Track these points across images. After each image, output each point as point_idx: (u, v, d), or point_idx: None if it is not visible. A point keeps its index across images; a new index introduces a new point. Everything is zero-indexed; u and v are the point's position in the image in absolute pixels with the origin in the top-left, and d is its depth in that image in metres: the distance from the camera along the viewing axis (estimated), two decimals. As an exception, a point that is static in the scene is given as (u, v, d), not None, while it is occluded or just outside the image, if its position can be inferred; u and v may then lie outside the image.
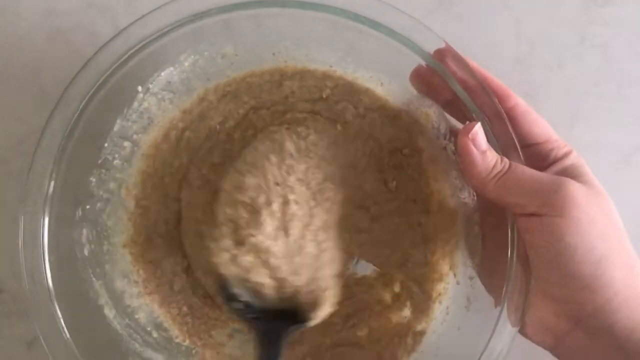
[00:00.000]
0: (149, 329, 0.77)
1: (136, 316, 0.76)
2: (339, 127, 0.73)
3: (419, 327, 0.74)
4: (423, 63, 0.65)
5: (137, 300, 0.76)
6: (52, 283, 0.67)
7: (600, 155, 0.83)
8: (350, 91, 0.74)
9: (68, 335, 0.66)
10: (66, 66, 0.81)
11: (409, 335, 0.74)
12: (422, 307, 0.74)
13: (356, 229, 0.74)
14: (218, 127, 0.75)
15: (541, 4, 0.83)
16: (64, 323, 0.67)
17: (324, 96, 0.74)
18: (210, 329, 0.77)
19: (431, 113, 0.72)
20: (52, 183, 0.67)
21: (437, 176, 0.74)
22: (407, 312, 0.76)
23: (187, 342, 0.76)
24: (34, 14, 0.82)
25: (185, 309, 0.76)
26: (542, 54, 0.83)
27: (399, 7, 0.64)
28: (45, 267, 0.67)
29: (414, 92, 0.72)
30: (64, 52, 0.82)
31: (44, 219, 0.67)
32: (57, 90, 0.79)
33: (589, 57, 0.83)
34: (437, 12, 0.80)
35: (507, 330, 0.65)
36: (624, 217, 0.83)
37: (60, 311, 0.67)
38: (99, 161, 0.73)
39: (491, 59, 0.79)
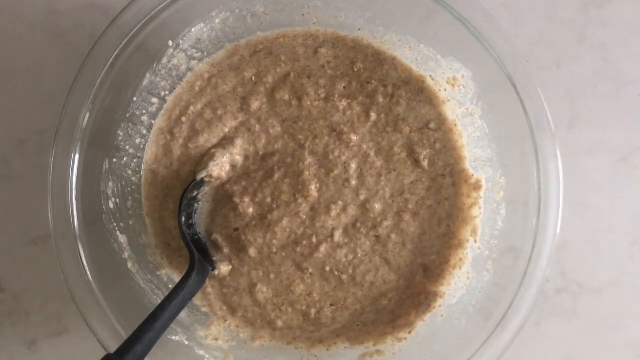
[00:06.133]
0: (170, 286, 0.78)
1: (158, 273, 0.78)
2: (373, 115, 0.76)
3: (434, 289, 0.76)
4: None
5: (159, 259, 0.78)
6: (78, 227, 0.69)
7: (599, 155, 0.83)
8: (378, 62, 0.77)
9: (90, 277, 0.68)
10: (67, 66, 0.81)
11: (422, 294, 0.76)
12: (437, 270, 0.77)
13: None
14: (254, 78, 0.77)
15: (540, 4, 0.84)
16: (89, 270, 0.69)
17: (355, 70, 0.77)
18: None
19: (459, 77, 0.74)
20: (82, 132, 0.69)
21: (462, 143, 0.76)
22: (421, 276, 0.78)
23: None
24: (35, 14, 0.82)
25: None
26: (541, 54, 0.83)
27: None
28: (72, 211, 0.69)
29: (440, 56, 0.74)
30: (64, 52, 0.82)
31: (73, 166, 0.69)
32: (58, 90, 0.80)
33: (588, 58, 0.84)
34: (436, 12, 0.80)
35: (531, 291, 0.68)
36: (623, 217, 0.84)
37: (85, 257, 0.69)
38: (127, 115, 0.75)
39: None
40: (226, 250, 0.77)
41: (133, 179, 0.77)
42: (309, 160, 0.76)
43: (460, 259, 0.76)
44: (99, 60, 0.68)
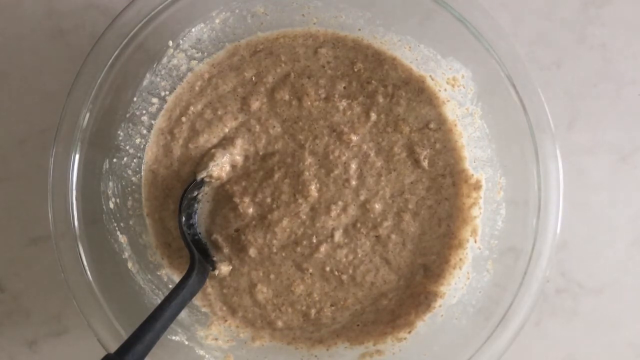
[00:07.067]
0: (170, 286, 0.78)
1: (158, 272, 0.78)
2: (373, 116, 0.76)
3: (434, 289, 0.76)
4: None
5: (159, 259, 0.78)
6: (78, 227, 0.69)
7: (599, 155, 0.83)
8: (378, 63, 0.77)
9: (90, 277, 0.69)
10: (67, 66, 0.81)
11: (421, 294, 0.77)
12: (437, 270, 0.77)
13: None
14: (254, 78, 0.77)
15: (540, 4, 0.84)
16: (89, 270, 0.69)
17: (355, 70, 0.77)
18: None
19: (459, 77, 0.74)
20: (82, 132, 0.69)
21: (462, 143, 0.76)
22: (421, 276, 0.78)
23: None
24: (35, 14, 0.82)
25: None
26: (541, 54, 0.83)
27: None
28: (72, 211, 0.69)
29: (440, 56, 0.74)
30: (64, 52, 0.82)
31: (73, 166, 0.69)
32: (58, 90, 0.80)
33: (588, 58, 0.84)
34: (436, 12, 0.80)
35: (531, 291, 0.68)
36: (623, 217, 0.84)
37: (85, 257, 0.69)
38: (127, 115, 0.75)
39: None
40: (226, 251, 0.77)
41: (133, 179, 0.77)
42: (309, 160, 0.76)
43: (460, 259, 0.76)
44: (99, 60, 0.68)
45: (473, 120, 0.75)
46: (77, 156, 0.69)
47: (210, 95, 0.78)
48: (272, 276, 0.77)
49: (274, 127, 0.77)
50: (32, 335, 0.83)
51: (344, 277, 0.77)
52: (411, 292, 0.77)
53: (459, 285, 0.76)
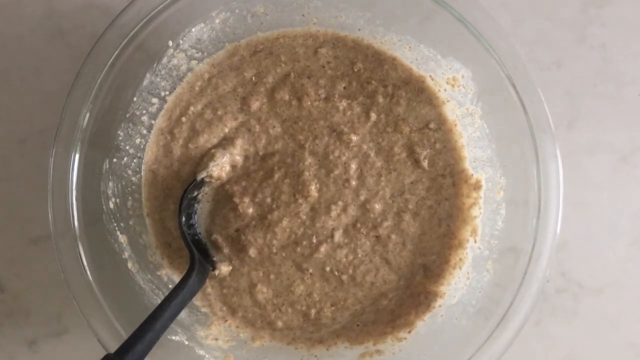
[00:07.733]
0: (170, 286, 0.78)
1: (158, 272, 0.78)
2: (373, 116, 0.76)
3: (434, 289, 0.76)
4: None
5: (159, 259, 0.78)
6: (78, 227, 0.69)
7: (599, 155, 0.83)
8: (378, 63, 0.77)
9: (90, 277, 0.69)
10: (67, 66, 0.81)
11: (421, 294, 0.77)
12: (437, 270, 0.77)
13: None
14: (254, 78, 0.77)
15: (540, 4, 0.84)
16: (89, 270, 0.69)
17: (355, 70, 0.77)
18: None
19: (459, 77, 0.75)
20: (82, 132, 0.69)
21: (462, 143, 0.76)
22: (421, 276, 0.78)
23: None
24: (35, 14, 0.82)
25: None
26: (541, 54, 0.83)
27: None
28: (72, 211, 0.69)
29: (440, 56, 0.74)
30: (64, 52, 0.82)
31: (73, 166, 0.69)
32: (58, 90, 0.80)
33: (588, 58, 0.84)
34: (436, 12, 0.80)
35: (531, 291, 0.68)
36: (623, 217, 0.84)
37: (85, 257, 0.69)
38: (127, 115, 0.75)
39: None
40: (226, 251, 0.77)
41: (133, 179, 0.77)
42: (309, 160, 0.76)
43: (460, 259, 0.76)
44: (99, 60, 0.68)
45: (473, 120, 0.75)
46: (77, 156, 0.69)
47: (210, 95, 0.78)
48: (272, 276, 0.77)
49: (274, 127, 0.77)
50: (32, 335, 0.83)
51: (344, 277, 0.77)
52: (411, 292, 0.77)
53: (459, 285, 0.76)
